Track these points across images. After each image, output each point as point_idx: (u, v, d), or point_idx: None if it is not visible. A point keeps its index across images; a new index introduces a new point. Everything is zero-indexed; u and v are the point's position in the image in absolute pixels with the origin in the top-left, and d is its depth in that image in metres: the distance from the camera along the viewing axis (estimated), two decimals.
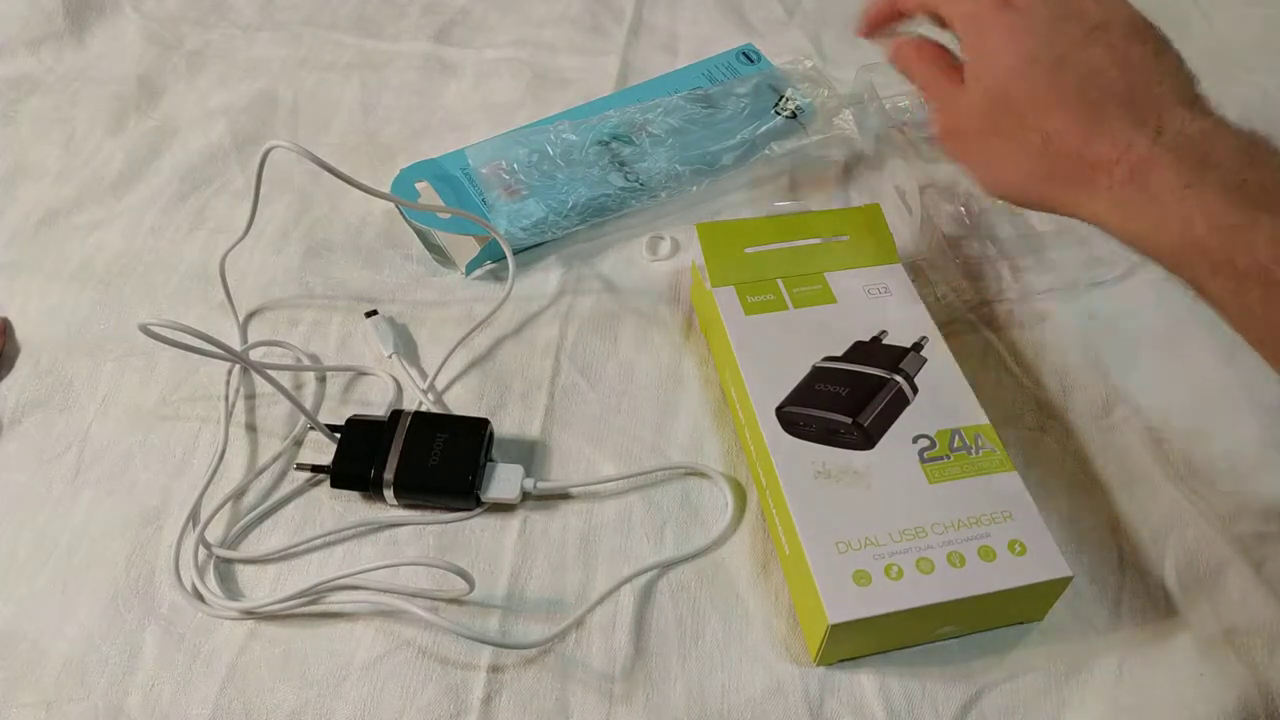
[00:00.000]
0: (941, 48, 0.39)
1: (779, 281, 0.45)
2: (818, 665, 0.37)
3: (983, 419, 0.40)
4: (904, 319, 0.44)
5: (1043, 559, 0.36)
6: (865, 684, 0.37)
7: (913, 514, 0.37)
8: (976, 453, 0.39)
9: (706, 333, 0.47)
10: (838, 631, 0.34)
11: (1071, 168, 0.34)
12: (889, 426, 0.40)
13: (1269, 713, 0.36)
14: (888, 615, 0.34)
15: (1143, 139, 0.33)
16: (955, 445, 0.39)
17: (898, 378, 0.41)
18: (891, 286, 0.45)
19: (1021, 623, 0.38)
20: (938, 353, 0.42)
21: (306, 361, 0.47)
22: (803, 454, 0.39)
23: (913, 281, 0.45)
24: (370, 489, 0.41)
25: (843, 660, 0.37)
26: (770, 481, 0.39)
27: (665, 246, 0.52)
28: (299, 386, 0.46)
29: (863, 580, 0.35)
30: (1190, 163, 0.32)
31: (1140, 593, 0.39)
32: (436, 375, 0.46)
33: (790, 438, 0.39)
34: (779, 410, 0.40)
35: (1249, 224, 0.31)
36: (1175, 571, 0.39)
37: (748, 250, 0.46)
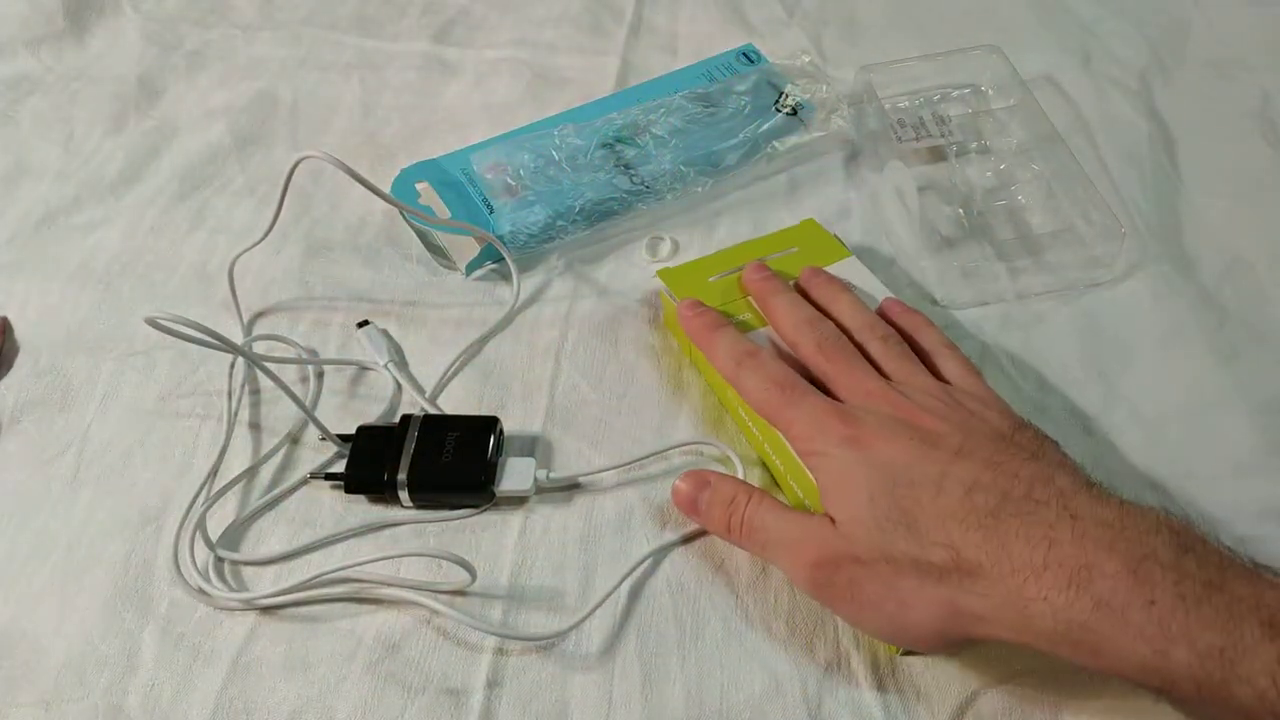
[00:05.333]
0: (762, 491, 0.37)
1: (749, 300, 0.45)
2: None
3: None
4: (870, 301, 0.45)
5: None
6: (863, 684, 0.37)
7: None
8: None
9: (691, 355, 0.46)
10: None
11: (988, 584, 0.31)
12: None
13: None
14: None
15: (1062, 529, 0.31)
16: None
17: None
18: (853, 278, 0.46)
19: None
20: None
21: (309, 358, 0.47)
22: None
23: (907, 286, 0.45)
24: (385, 491, 0.41)
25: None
26: (789, 465, 0.39)
27: (665, 247, 0.52)
28: (302, 379, 0.46)
29: None
30: (1130, 559, 0.30)
31: None
32: (439, 381, 0.46)
33: None
34: None
35: (1235, 645, 0.28)
36: None
37: (711, 279, 0.46)
